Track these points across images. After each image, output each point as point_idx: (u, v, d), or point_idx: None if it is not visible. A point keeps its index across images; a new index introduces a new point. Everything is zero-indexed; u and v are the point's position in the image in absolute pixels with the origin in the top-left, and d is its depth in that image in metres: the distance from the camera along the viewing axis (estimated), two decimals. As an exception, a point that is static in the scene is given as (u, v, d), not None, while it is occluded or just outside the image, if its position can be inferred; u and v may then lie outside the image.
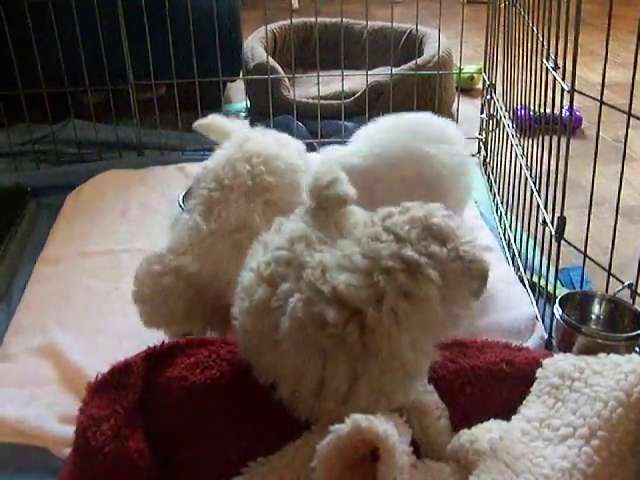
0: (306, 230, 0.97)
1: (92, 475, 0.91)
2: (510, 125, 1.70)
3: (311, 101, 2.18)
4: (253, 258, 0.99)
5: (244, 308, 0.96)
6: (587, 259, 1.26)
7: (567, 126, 1.22)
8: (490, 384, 1.01)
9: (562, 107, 1.21)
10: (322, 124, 2.07)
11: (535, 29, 1.36)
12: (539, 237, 1.41)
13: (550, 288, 1.34)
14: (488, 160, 1.98)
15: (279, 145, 1.32)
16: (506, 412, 0.98)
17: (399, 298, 0.85)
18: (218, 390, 0.97)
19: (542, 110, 1.34)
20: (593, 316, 1.25)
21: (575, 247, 1.28)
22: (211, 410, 0.96)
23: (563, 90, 1.16)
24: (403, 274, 0.86)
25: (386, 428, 0.78)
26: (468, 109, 2.34)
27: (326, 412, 0.90)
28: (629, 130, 1.12)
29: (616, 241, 1.22)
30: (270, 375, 0.94)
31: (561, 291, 1.30)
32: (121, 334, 1.31)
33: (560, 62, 1.18)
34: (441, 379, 1.01)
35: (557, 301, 1.22)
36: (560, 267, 1.30)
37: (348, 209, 1.04)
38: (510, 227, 1.62)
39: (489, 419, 0.95)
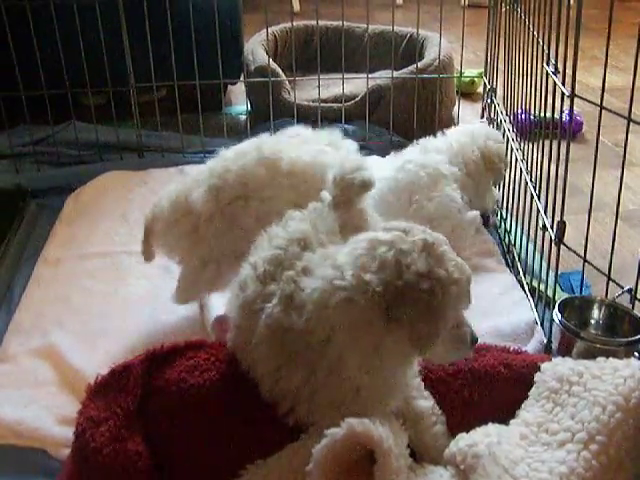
0: (308, 232, 0.97)
1: (91, 477, 0.91)
2: (510, 129, 1.70)
3: (312, 104, 2.18)
4: (256, 251, 0.99)
5: (237, 302, 0.97)
6: (587, 264, 1.26)
7: (567, 130, 1.23)
8: (488, 387, 1.01)
9: (562, 111, 1.21)
10: (322, 127, 2.07)
11: (536, 33, 1.37)
12: (539, 241, 1.41)
13: (550, 292, 1.34)
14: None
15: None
16: (504, 415, 0.98)
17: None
18: (216, 392, 0.97)
19: (542, 114, 1.34)
20: (592, 321, 1.25)
21: (575, 252, 1.28)
22: (210, 412, 0.96)
23: (563, 94, 1.17)
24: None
25: (381, 432, 0.78)
26: (468, 113, 2.35)
27: (302, 418, 0.91)
28: (629, 135, 1.12)
29: (616, 246, 1.22)
30: (251, 373, 0.95)
31: (561, 296, 1.30)
32: (121, 336, 1.31)
33: (560, 66, 1.18)
34: (439, 381, 1.01)
35: (556, 306, 1.22)
36: (560, 272, 1.30)
37: (363, 210, 1.03)
38: (510, 231, 1.62)
39: (487, 422, 0.96)
